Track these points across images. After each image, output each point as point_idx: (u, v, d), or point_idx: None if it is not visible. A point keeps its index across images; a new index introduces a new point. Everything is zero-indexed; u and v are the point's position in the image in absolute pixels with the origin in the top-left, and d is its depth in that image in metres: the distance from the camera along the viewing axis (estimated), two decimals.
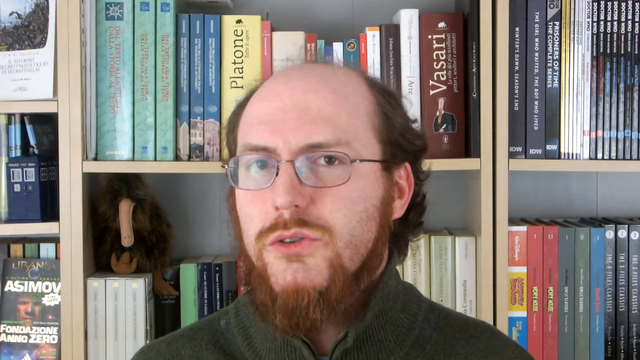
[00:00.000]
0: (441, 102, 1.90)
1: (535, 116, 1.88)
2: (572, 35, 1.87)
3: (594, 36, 1.88)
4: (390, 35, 1.90)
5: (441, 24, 1.90)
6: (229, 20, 1.90)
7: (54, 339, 1.91)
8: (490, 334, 1.10)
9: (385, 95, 1.05)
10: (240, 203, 1.00)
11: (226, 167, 1.02)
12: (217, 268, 1.94)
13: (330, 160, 0.97)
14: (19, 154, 1.92)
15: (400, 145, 1.03)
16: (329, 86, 1.00)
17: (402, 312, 1.06)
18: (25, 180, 1.89)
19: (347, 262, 0.97)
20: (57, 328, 1.90)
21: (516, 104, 1.87)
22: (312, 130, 0.96)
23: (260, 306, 0.98)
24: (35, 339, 1.91)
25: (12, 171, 1.89)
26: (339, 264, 0.96)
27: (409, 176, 1.05)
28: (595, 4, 1.87)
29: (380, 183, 1.00)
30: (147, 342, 1.89)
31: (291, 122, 0.97)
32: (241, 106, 1.06)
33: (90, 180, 1.93)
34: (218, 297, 1.94)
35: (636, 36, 1.88)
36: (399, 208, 1.04)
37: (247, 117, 1.02)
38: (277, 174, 0.96)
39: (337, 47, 1.91)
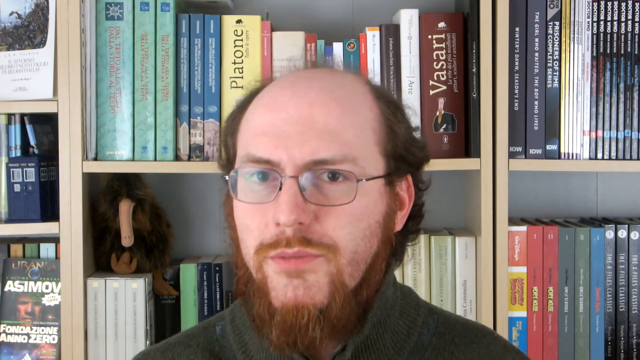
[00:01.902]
0: (441, 102, 1.90)
1: (535, 116, 1.87)
2: (572, 35, 1.87)
3: (594, 36, 1.88)
4: (390, 35, 1.90)
5: (441, 24, 1.90)
6: (229, 20, 1.90)
7: (54, 339, 1.90)
8: (491, 339, 1.09)
9: (391, 106, 1.02)
10: (238, 213, 0.98)
11: (227, 177, 0.99)
12: (217, 268, 1.94)
13: (334, 176, 0.94)
14: (19, 154, 1.92)
15: (403, 158, 1.01)
16: (336, 98, 0.97)
17: (400, 318, 1.04)
18: (25, 180, 1.89)
19: (348, 279, 0.95)
20: (57, 328, 1.90)
21: (516, 104, 1.87)
22: (318, 146, 0.94)
23: (257, 318, 0.96)
24: (35, 339, 1.91)
25: (12, 171, 1.89)
26: (340, 280, 0.94)
27: (410, 187, 1.03)
28: (595, 4, 1.87)
29: (383, 198, 0.98)
30: (147, 342, 1.90)
31: (296, 136, 0.94)
32: (241, 109, 1.03)
33: (90, 180, 1.93)
34: (218, 297, 1.94)
35: (636, 36, 1.88)
36: (400, 220, 1.02)
37: (250, 125, 0.99)
38: (280, 189, 0.93)
39: (337, 47, 1.91)
